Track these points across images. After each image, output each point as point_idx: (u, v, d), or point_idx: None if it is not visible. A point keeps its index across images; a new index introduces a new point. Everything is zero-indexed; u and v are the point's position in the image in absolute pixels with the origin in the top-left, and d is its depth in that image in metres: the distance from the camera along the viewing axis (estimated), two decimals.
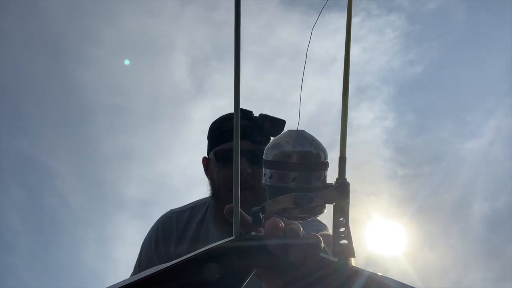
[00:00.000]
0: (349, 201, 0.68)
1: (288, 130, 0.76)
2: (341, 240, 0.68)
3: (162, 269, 0.69)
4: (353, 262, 0.90)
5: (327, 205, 0.70)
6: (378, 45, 6.66)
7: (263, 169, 0.74)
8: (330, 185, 0.69)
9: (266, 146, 0.75)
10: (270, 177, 0.72)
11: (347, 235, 0.67)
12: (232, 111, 1.31)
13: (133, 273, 1.47)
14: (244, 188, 1.15)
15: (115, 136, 7.25)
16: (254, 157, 1.22)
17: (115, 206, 7.54)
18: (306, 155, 0.70)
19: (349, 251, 0.68)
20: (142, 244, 1.45)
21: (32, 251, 7.00)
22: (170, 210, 1.46)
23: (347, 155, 0.70)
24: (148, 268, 1.41)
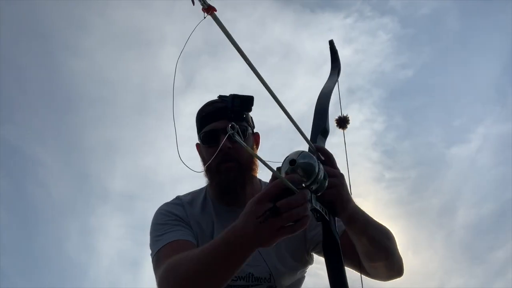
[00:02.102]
0: None
1: None
2: None
3: None
4: None
5: None
6: (370, 47, 6.66)
7: None
8: None
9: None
10: None
11: None
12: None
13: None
14: (228, 160, 1.38)
15: (102, 127, 7.17)
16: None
17: (99, 199, 7.46)
18: None
19: None
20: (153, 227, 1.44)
21: (13, 241, 6.90)
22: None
23: None
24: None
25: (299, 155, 0.91)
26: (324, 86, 1.32)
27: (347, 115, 1.24)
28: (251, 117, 1.48)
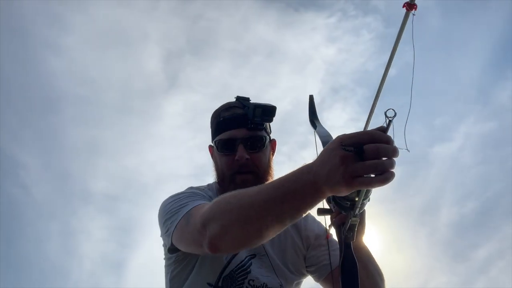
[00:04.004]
0: None
1: None
2: None
3: None
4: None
5: None
6: (353, 47, 6.69)
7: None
8: None
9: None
10: None
11: None
12: (217, 106, 1.44)
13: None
14: (245, 172, 1.34)
15: (83, 127, 7.07)
16: (251, 143, 1.36)
17: (81, 200, 7.36)
18: None
19: None
20: (166, 204, 1.30)
21: None
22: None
23: None
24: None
25: None
26: (319, 131, 1.27)
27: None
28: (269, 124, 1.44)
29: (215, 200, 1.05)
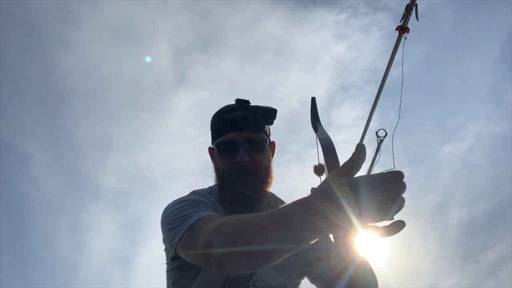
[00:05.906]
0: None
1: None
2: None
3: None
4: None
5: None
6: (363, 44, 6.66)
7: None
8: None
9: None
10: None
11: None
12: (227, 104, 1.44)
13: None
14: (246, 173, 1.35)
15: (93, 123, 7.12)
16: (251, 145, 1.38)
17: (90, 195, 7.41)
18: None
19: None
20: (170, 211, 1.30)
21: (1, 237, 6.83)
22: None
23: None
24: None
25: None
26: (321, 134, 1.27)
27: (323, 164, 1.23)
28: (269, 127, 1.46)
29: (220, 221, 1.06)
